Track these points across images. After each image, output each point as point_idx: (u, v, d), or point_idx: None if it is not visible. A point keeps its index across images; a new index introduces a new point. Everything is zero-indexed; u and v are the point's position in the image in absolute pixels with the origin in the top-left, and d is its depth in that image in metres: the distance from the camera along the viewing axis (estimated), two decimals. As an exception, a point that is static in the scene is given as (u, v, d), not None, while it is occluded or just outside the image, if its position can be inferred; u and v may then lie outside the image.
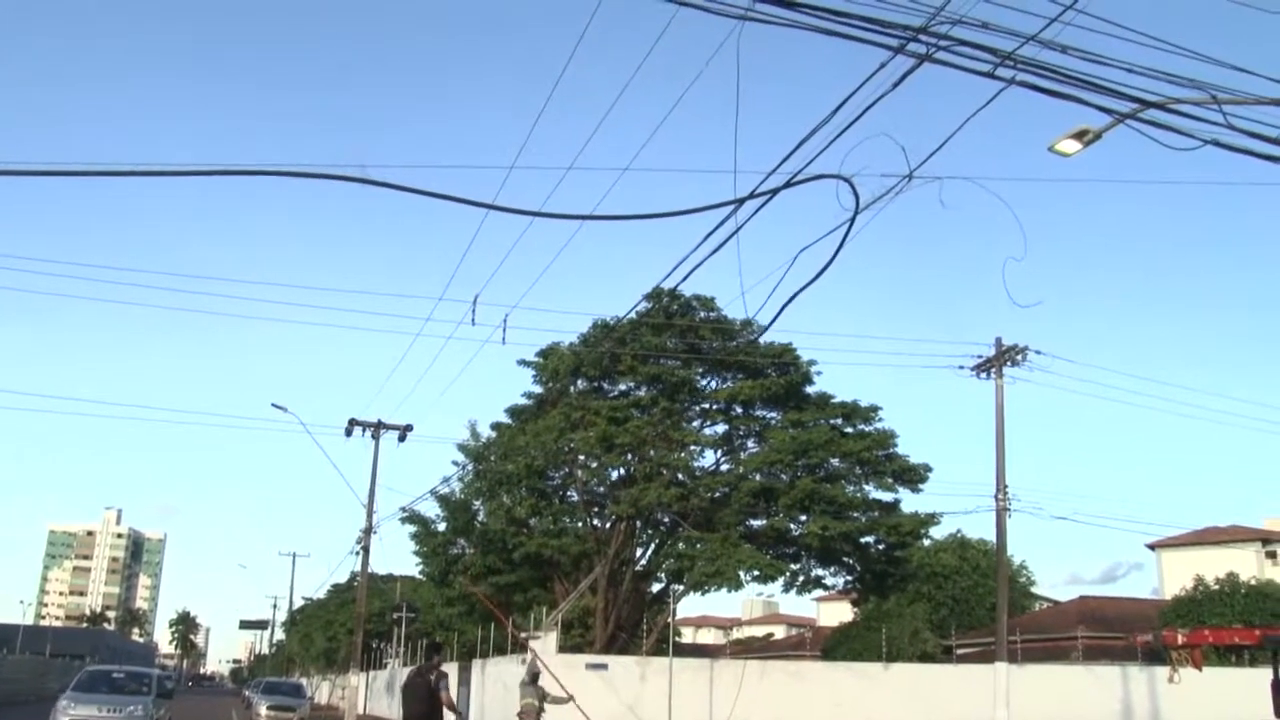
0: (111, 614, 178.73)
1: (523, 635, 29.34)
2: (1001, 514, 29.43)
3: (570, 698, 22.21)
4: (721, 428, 35.37)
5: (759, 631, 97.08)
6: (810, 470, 32.84)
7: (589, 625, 34.65)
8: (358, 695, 37.55)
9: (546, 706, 21.60)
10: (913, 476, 33.83)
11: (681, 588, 34.18)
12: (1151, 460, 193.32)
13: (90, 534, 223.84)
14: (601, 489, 35.90)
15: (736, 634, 59.16)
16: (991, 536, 31.90)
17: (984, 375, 30.20)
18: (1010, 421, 31.42)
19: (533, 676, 22.18)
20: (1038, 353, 29.85)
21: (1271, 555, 72.81)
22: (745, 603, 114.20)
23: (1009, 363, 29.88)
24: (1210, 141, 9.96)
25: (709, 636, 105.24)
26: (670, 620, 32.64)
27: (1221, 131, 9.96)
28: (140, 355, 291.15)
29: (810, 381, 34.17)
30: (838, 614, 65.22)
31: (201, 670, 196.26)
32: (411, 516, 37.16)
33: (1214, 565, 55.36)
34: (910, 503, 35.70)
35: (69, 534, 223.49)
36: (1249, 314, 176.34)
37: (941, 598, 51.28)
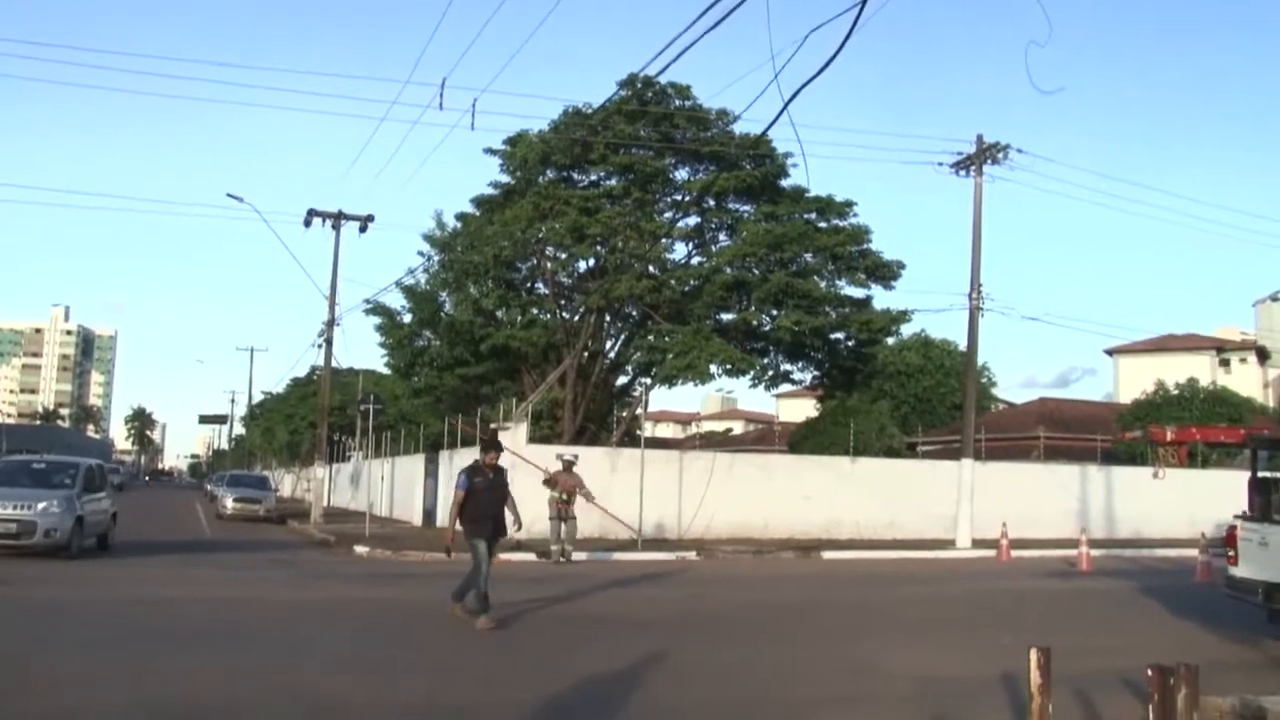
0: (65, 412, 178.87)
1: (491, 426, 29.33)
2: (975, 312, 29.51)
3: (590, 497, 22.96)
4: (694, 220, 35.08)
5: (718, 426, 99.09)
6: (783, 265, 32.69)
7: (558, 418, 34.69)
8: (323, 488, 37.23)
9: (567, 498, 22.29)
10: (885, 273, 33.86)
11: (650, 381, 34.47)
12: (1116, 267, 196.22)
13: (39, 331, 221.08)
14: (571, 281, 35.70)
15: (695, 429, 59.99)
16: (955, 337, 32.46)
17: (963, 173, 29.72)
18: (986, 223, 30.87)
19: (567, 465, 22.94)
20: (1019, 151, 29.45)
21: (1225, 363, 75.10)
22: (704, 398, 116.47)
23: (989, 160, 29.35)
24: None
25: (668, 431, 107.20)
26: (642, 413, 32.87)
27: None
28: (88, 143, 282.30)
29: (785, 175, 33.68)
30: (798, 411, 66.38)
31: (159, 466, 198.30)
32: (376, 308, 37.15)
33: (1169, 371, 56.95)
34: (881, 299, 35.86)
35: (15, 331, 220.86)
36: (1242, 116, 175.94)
37: (904, 396, 52.13)
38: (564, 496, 22.76)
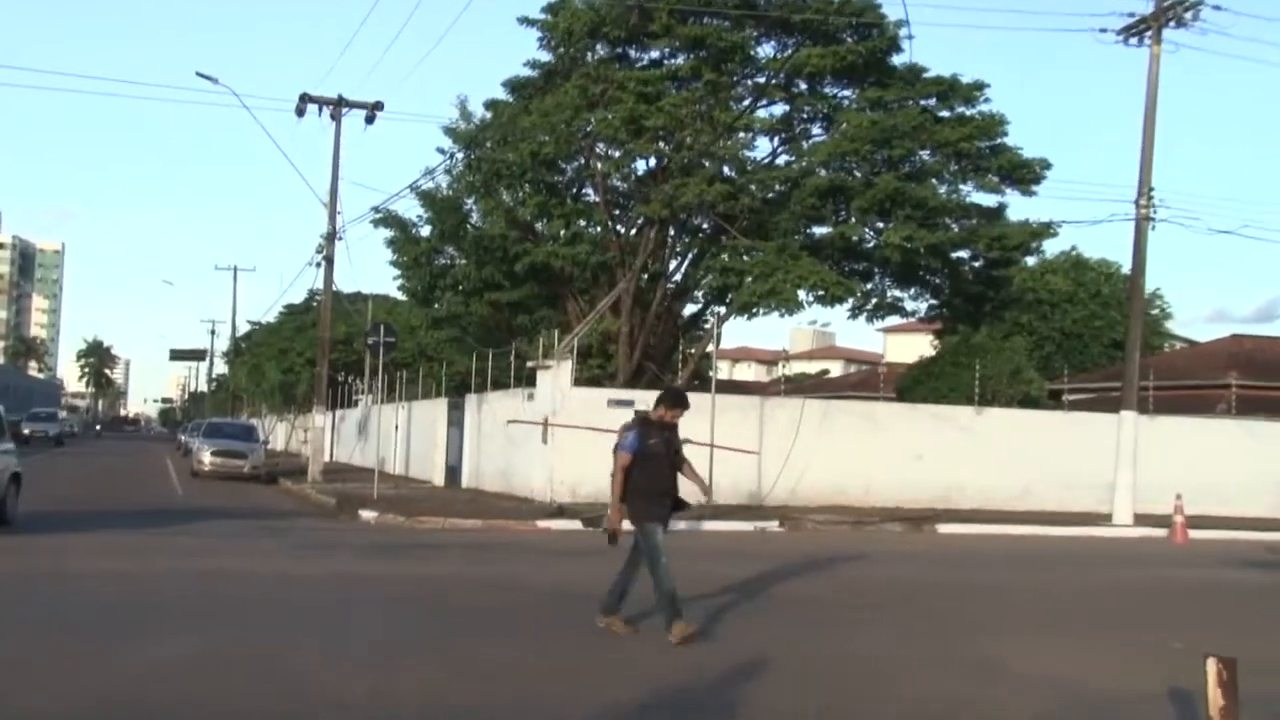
0: (0, 343, 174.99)
1: (530, 364, 29.66)
2: (1143, 224, 28.55)
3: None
4: (781, 108, 35.00)
5: (810, 368, 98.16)
6: (893, 165, 32.45)
7: (610, 355, 34.99)
8: (324, 439, 37.85)
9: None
10: (1025, 175, 33.48)
11: (725, 310, 34.54)
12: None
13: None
14: (626, 185, 35.68)
15: (781, 370, 59.87)
16: (1117, 256, 31.59)
17: (1134, 40, 28.37)
18: (1163, 108, 29.38)
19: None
20: (1215, 8, 27.86)
21: None
22: (792, 333, 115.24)
23: (1171, 21, 28.01)
24: None
25: (747, 373, 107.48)
26: (714, 349, 32.79)
27: None
28: (21, 7, 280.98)
29: (897, 49, 33.25)
30: (909, 349, 65.89)
31: (122, 412, 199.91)
32: (387, 218, 36.84)
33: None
34: (1019, 208, 35.81)
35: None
36: None
37: (1047, 331, 51.70)
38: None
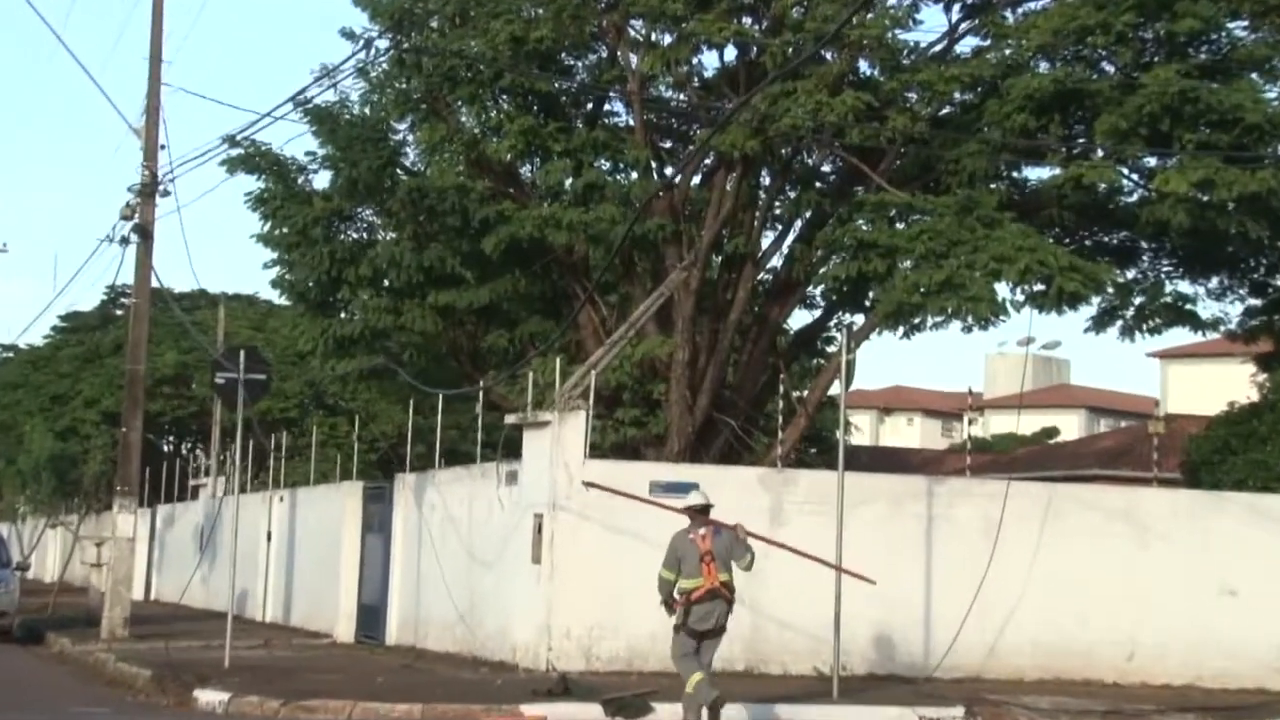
0: None
1: (511, 418, 29.20)
2: None
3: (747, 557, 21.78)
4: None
5: (1021, 424, 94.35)
6: (1175, 49, 30.69)
7: (656, 401, 34.12)
8: (133, 559, 38.27)
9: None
10: None
11: (861, 320, 34.89)
12: None
13: None
14: (685, 97, 35.73)
15: (969, 428, 57.39)
16: None
17: None
18: None
19: (702, 509, 21.38)
20: None
21: None
22: (988, 361, 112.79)
23: None
24: None
25: (907, 433, 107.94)
26: (840, 389, 31.08)
27: None
28: None
29: None
30: (1209, 389, 65.69)
31: None
32: (249, 157, 35.82)
33: None
34: None
35: None
36: None
37: None
38: (705, 580, 21.28)
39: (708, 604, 20.74)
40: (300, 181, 36.85)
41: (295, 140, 31.22)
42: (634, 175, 34.77)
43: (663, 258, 33.93)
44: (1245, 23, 31.54)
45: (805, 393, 35.77)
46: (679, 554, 21.01)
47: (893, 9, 32.55)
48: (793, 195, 35.81)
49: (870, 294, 32.98)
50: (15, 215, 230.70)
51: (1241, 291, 35.66)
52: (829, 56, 31.23)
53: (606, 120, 36.36)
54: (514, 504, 28.56)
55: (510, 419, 29.33)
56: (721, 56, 34.76)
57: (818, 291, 36.80)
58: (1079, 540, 29.21)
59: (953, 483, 31.21)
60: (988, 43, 33.52)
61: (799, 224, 35.90)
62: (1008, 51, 32.19)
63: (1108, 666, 28.93)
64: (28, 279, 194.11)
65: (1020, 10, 33.92)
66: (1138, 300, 34.16)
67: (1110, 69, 31.61)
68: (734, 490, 26.49)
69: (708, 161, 34.99)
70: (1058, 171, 31.84)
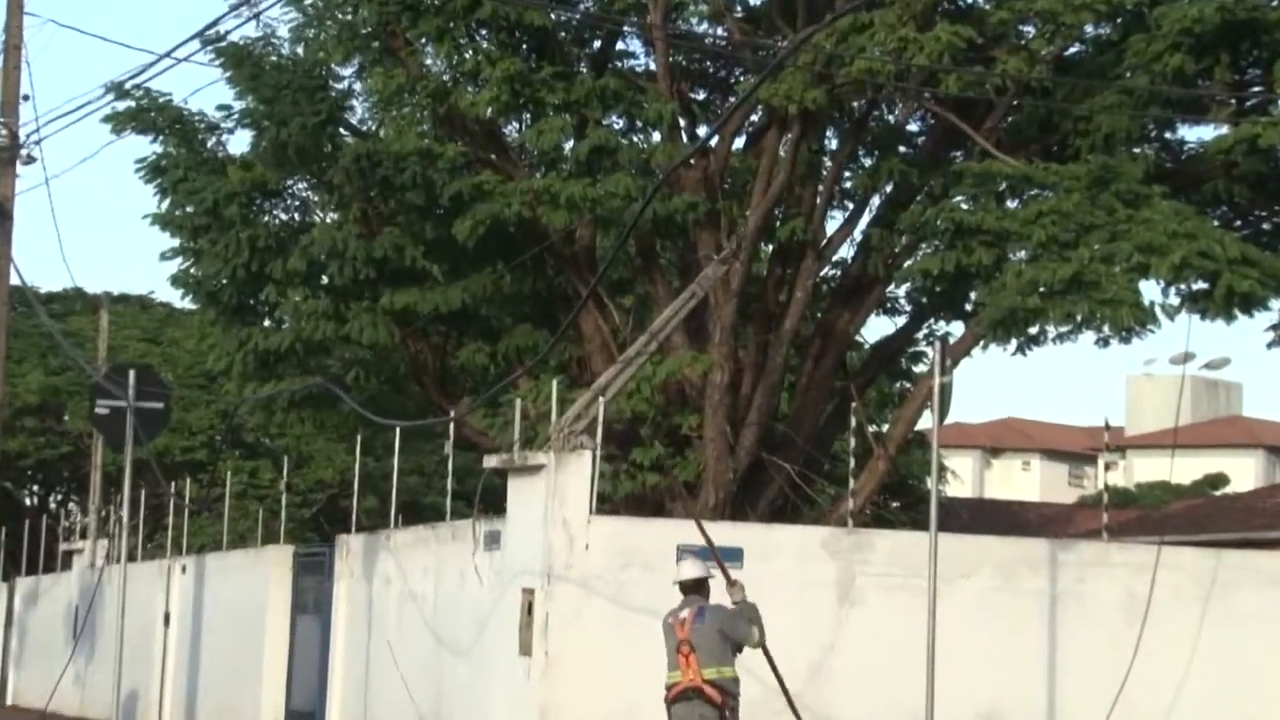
0: None
1: (492, 460, 28.41)
2: None
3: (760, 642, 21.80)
4: None
5: (1177, 469, 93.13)
6: None
7: (687, 438, 33.04)
8: None
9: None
10: None
11: (960, 330, 33.94)
12: None
13: None
14: (725, 32, 35.22)
15: (1104, 474, 57.78)
16: None
17: None
18: None
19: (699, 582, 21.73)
20: None
21: None
22: (1130, 384, 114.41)
23: None
24: None
25: (1023, 482, 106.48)
26: (934, 422, 28.90)
27: None
28: None
29: None
30: None
31: None
32: (142, 110, 35.03)
33: None
34: None
35: None
36: None
37: None
38: (681, 677, 21.55)
39: (682, 706, 21.02)
40: (211, 145, 36.09)
41: (205, 90, 31.34)
42: (656, 136, 33.94)
43: (694, 246, 33.27)
44: None
45: (885, 427, 35.10)
46: (666, 641, 21.37)
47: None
48: (868, 164, 34.63)
49: (972, 295, 32.35)
50: None
51: None
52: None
53: (619, 63, 35.54)
54: (495, 575, 27.74)
55: (491, 461, 28.34)
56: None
57: (901, 292, 36.11)
58: (1254, 625, 28.67)
59: (1084, 548, 30.59)
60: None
61: (876, 202, 34.92)
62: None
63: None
64: None
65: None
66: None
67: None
68: (789, 557, 26.82)
69: (754, 119, 34.04)
70: (1225, 131, 30.40)
